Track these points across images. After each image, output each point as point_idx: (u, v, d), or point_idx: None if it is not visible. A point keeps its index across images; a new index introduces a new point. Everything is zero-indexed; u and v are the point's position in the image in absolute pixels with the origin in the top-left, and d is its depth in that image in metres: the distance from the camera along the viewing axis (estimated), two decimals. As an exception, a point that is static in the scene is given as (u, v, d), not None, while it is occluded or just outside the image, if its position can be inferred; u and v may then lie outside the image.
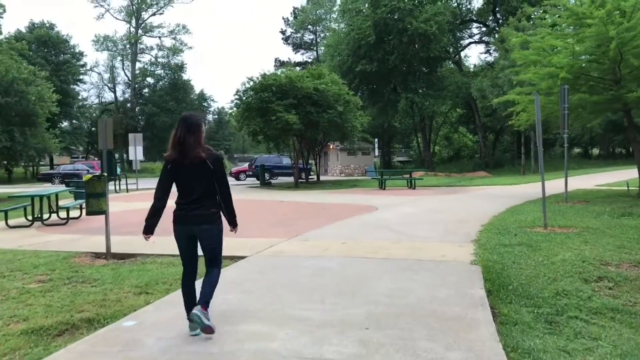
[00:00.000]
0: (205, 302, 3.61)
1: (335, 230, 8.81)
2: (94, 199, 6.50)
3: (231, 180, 29.61)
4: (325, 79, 21.17)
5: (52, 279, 5.72)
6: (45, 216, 11.05)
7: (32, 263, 6.55)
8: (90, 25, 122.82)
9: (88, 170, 32.67)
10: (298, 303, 4.38)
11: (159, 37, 58.91)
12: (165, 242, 8.24)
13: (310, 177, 27.01)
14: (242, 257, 6.40)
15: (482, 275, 5.22)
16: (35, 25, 49.26)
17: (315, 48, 56.63)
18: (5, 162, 22.12)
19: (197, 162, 3.60)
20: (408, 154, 54.16)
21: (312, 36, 57.41)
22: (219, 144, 69.71)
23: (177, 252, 6.90)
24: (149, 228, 3.78)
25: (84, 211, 12.32)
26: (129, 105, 57.46)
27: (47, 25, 49.64)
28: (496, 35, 35.09)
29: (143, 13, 56.87)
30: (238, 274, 5.43)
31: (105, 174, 6.82)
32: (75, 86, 52.60)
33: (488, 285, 4.86)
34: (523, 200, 12.88)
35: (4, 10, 39.79)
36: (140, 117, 57.25)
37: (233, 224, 3.91)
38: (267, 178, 26.72)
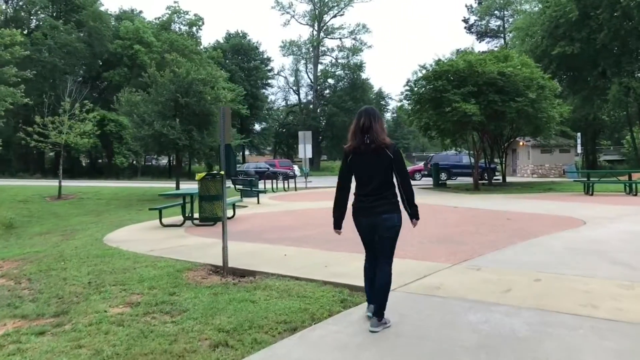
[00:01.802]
0: (380, 314, 3.54)
1: (524, 255, 6.27)
2: (207, 202, 5.36)
3: (405, 180, 27.70)
4: (513, 61, 17.77)
5: (141, 302, 4.62)
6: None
7: (141, 275, 5.65)
8: (278, 32, 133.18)
9: (268, 169, 34.01)
10: None
11: (340, 39, 59.84)
12: (296, 255, 6.77)
13: (495, 177, 23.66)
14: (380, 292, 4.48)
15: None
16: (231, 36, 54.17)
17: (502, 35, 51.18)
18: (188, 158, 23.68)
19: (380, 149, 3.56)
20: (619, 152, 45.33)
21: (498, 22, 52.13)
22: (397, 143, 68.21)
23: (299, 274, 5.44)
24: (337, 223, 3.79)
25: (237, 211, 11.83)
26: (311, 106, 59.58)
27: (241, 34, 54.20)
28: None
29: (325, 16, 58.38)
30: (361, 327, 3.53)
31: (222, 173, 5.56)
32: (264, 90, 56.52)
33: None
34: None
35: (203, 23, 44.48)
36: (321, 117, 58.96)
37: (415, 216, 3.72)
38: (444, 178, 24.11)
